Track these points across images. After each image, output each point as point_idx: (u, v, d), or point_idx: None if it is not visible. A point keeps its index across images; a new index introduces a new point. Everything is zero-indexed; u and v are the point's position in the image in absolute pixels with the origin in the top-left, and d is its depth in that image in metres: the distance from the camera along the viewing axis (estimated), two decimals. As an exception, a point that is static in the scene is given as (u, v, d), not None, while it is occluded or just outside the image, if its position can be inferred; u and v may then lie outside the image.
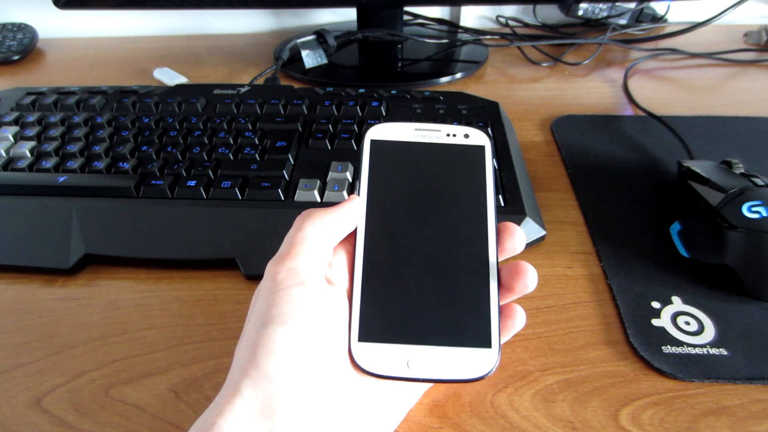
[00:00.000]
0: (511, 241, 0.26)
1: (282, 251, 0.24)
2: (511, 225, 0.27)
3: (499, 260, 0.26)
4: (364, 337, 0.24)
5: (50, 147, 0.43)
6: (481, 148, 0.29)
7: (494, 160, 0.36)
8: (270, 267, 0.24)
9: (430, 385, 0.28)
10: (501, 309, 0.25)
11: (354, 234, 0.26)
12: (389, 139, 0.29)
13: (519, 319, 0.26)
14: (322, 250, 0.25)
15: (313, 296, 0.23)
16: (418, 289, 0.25)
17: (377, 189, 0.27)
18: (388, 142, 0.28)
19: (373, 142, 0.28)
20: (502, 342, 0.25)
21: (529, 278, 0.25)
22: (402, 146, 0.28)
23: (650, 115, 0.50)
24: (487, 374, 0.24)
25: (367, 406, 0.24)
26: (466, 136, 0.29)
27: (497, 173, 0.39)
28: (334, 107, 0.47)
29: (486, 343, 0.24)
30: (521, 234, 0.26)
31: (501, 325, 0.25)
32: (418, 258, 0.26)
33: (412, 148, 0.28)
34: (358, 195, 0.27)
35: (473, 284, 0.25)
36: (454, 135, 0.29)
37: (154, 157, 0.41)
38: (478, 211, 0.27)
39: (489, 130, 0.43)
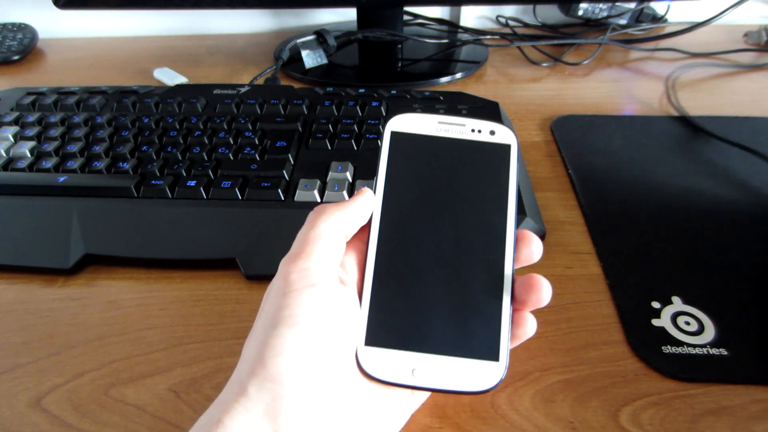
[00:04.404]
0: (527, 250, 0.25)
1: (294, 249, 0.24)
2: (529, 234, 0.26)
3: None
4: (371, 341, 0.24)
5: (50, 147, 0.43)
6: (507, 147, 0.27)
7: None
8: (282, 266, 0.24)
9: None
10: (512, 317, 0.25)
11: (368, 230, 0.26)
12: (411, 131, 0.27)
13: (529, 327, 0.25)
14: (335, 249, 0.24)
15: (323, 299, 0.23)
16: (430, 295, 0.24)
17: (395, 184, 0.26)
18: (410, 135, 0.27)
19: (394, 134, 0.27)
20: (511, 347, 0.25)
21: (543, 292, 0.24)
22: (424, 140, 0.27)
23: (650, 115, 0.50)
24: (491, 388, 0.23)
25: (370, 410, 0.24)
26: (492, 132, 0.27)
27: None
28: (334, 107, 0.47)
29: (494, 356, 0.24)
30: (538, 244, 0.25)
31: (511, 335, 0.24)
32: (432, 262, 0.25)
33: (434, 142, 0.27)
34: (375, 188, 0.26)
35: (486, 294, 0.24)
36: (479, 131, 0.27)
37: (154, 157, 0.41)
38: (498, 216, 0.26)
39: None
